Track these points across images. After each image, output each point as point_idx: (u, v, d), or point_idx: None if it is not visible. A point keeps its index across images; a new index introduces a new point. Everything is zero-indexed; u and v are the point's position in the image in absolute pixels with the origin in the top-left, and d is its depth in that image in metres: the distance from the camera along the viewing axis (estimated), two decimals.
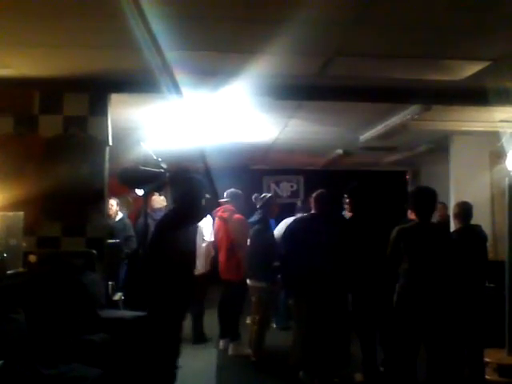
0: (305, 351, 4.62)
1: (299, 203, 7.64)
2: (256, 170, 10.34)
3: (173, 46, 3.41)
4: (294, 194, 10.67)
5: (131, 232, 6.94)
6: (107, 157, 4.61)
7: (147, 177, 4.51)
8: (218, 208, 6.10)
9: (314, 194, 4.74)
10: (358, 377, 4.81)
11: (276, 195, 10.06)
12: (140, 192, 4.88)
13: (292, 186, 10.82)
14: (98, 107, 4.55)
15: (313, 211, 4.70)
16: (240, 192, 6.12)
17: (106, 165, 4.60)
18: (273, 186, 10.75)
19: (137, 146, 5.53)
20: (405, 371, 4.01)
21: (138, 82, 4.33)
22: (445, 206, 6.75)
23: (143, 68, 3.80)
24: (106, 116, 4.58)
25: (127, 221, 7.06)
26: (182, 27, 3.23)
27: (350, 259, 4.44)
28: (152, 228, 6.70)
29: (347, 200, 4.99)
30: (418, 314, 3.90)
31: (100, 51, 3.78)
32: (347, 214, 5.75)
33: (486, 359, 4.74)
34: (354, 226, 4.77)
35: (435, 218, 6.44)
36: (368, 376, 4.73)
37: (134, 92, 4.56)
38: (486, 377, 4.69)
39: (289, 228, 4.82)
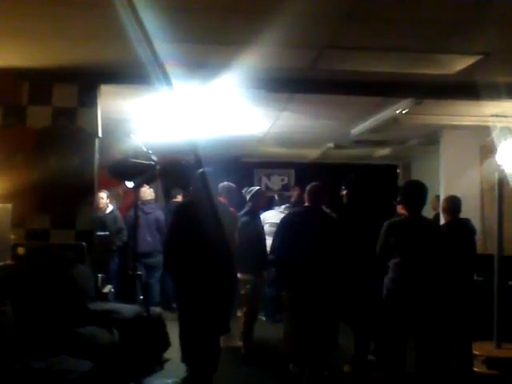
0: (295, 343, 4.63)
1: (276, 197, 7.55)
2: (247, 162, 10.31)
3: (163, 37, 3.39)
4: (285, 188, 10.65)
5: (122, 224, 7.01)
6: (97, 149, 4.58)
7: (137, 169, 4.46)
8: None
9: (307, 187, 4.73)
10: (346, 368, 4.84)
11: (267, 188, 10.04)
12: (130, 184, 4.85)
13: (283, 180, 10.79)
14: (88, 98, 4.52)
15: (306, 204, 4.69)
16: (233, 186, 6.09)
17: (96, 157, 4.57)
18: (264, 179, 10.72)
19: (127, 137, 5.47)
20: (394, 362, 4.04)
21: (128, 74, 4.30)
22: (438, 199, 6.76)
23: (133, 59, 3.77)
24: (96, 107, 4.54)
25: (117, 213, 7.09)
26: (172, 19, 3.21)
27: (344, 252, 4.45)
28: (142, 220, 6.76)
29: (344, 192, 4.98)
30: (407, 307, 3.92)
31: (90, 42, 3.74)
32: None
33: (475, 352, 4.78)
34: (349, 218, 4.78)
35: (429, 210, 6.49)
36: (356, 367, 4.76)
37: (124, 83, 4.53)
38: (475, 369, 4.73)
39: (283, 220, 4.81)
